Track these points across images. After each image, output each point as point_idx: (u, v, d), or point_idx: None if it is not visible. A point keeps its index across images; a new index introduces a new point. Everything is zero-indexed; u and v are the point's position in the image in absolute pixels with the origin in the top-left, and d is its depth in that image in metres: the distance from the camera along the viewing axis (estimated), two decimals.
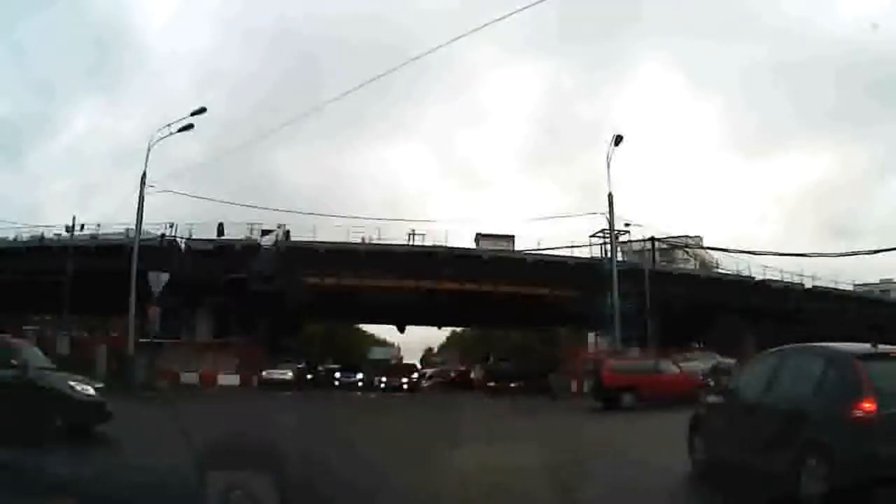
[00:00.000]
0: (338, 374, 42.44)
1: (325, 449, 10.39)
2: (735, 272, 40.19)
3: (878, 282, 57.45)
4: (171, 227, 34.72)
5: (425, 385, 44.08)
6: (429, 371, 56.26)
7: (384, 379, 38.81)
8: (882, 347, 6.48)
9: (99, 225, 37.65)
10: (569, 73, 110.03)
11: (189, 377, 32.26)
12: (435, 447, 10.83)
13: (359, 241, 36.43)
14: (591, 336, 39.96)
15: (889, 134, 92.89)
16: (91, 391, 11.39)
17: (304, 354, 47.63)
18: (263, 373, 34.56)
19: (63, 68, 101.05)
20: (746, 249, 61.95)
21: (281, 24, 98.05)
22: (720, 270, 42.96)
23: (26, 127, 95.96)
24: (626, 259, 37.21)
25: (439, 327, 67.05)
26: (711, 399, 8.72)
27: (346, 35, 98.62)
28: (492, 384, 39.18)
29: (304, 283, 35.14)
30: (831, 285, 41.79)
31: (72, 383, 11.34)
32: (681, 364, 24.08)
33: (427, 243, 37.26)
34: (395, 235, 37.85)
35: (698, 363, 26.96)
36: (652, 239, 37.49)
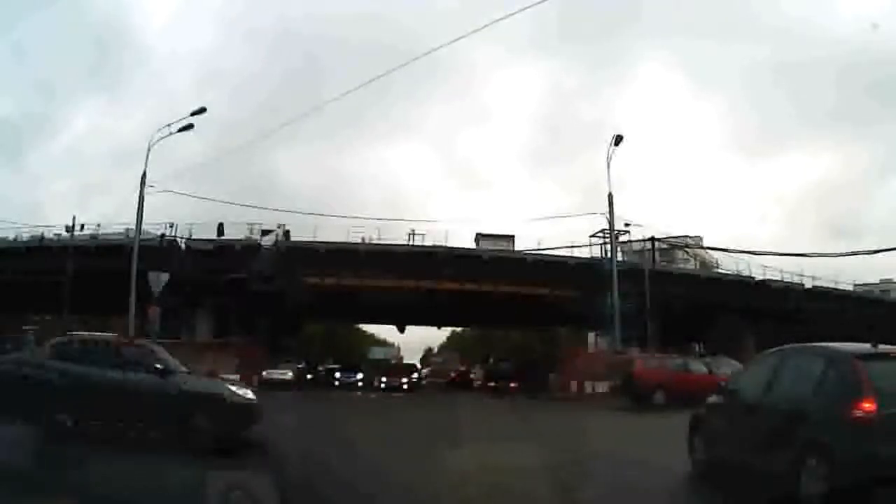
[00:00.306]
0: (338, 374, 42.47)
1: (325, 448, 10.39)
2: (735, 272, 40.15)
3: (878, 282, 57.46)
4: (171, 227, 34.74)
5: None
6: (424, 371, 56.16)
7: (384, 379, 38.85)
8: (882, 347, 6.48)
9: (99, 225, 37.74)
10: (570, 73, 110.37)
11: None
12: (436, 447, 10.83)
13: (359, 241, 36.42)
14: (591, 336, 39.98)
15: (889, 134, 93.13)
16: (250, 394, 11.38)
17: (304, 354, 47.64)
18: (264, 373, 34.55)
19: (63, 68, 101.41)
20: (746, 249, 62.03)
21: (281, 24, 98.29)
22: (720, 270, 42.90)
23: (27, 127, 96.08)
24: (626, 259, 37.20)
25: (439, 327, 67.03)
26: (711, 399, 8.71)
27: (347, 35, 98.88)
28: (492, 384, 39.25)
29: (304, 283, 35.12)
30: (831, 285, 41.73)
31: (230, 387, 11.43)
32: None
33: (427, 243, 37.27)
34: (396, 235, 37.92)
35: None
36: (652, 239, 37.50)
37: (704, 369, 22.80)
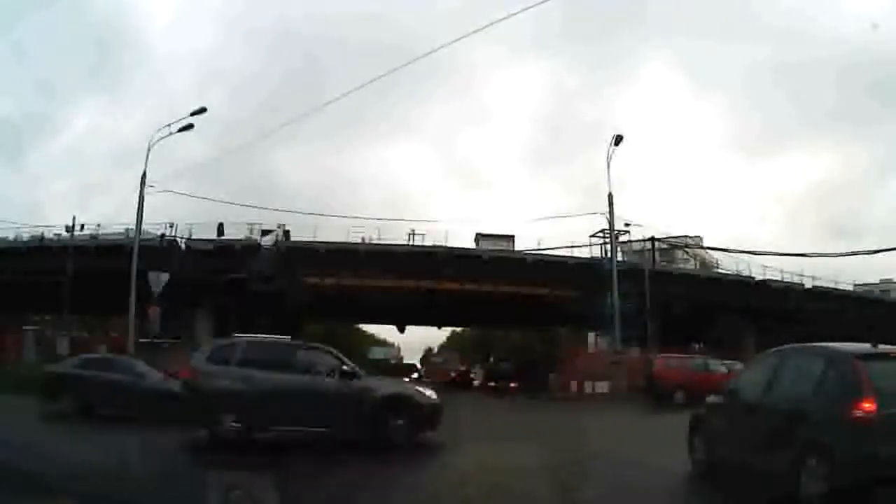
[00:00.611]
0: None
1: (325, 447, 10.38)
2: (735, 272, 40.19)
3: (878, 282, 57.43)
4: (171, 227, 34.79)
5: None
6: (424, 371, 55.99)
7: None
8: (882, 347, 6.48)
9: (99, 225, 37.75)
10: (571, 73, 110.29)
11: None
12: (436, 446, 10.83)
13: (359, 241, 36.46)
14: (591, 336, 39.93)
15: (889, 134, 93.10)
16: (434, 395, 11.56)
17: None
18: None
19: (64, 68, 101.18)
20: (746, 249, 62.07)
21: (282, 24, 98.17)
22: (720, 270, 42.95)
23: (27, 126, 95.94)
24: (626, 259, 37.23)
25: (439, 327, 67.03)
26: (711, 399, 8.71)
27: (347, 35, 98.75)
28: (492, 384, 39.24)
29: (304, 283, 35.12)
30: (831, 285, 41.75)
31: (419, 388, 11.78)
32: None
33: (427, 243, 37.31)
34: (396, 235, 37.96)
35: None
36: (652, 239, 37.50)
37: (723, 369, 22.95)
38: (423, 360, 77.07)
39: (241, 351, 11.04)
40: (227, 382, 10.44)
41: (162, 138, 27.42)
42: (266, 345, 11.65)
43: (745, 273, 39.85)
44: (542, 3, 17.26)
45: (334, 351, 11.70)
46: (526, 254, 38.09)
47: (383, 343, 77.20)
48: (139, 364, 16.20)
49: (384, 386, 11.31)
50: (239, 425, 10.22)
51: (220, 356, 11.11)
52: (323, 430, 10.47)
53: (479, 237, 40.90)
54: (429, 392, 11.55)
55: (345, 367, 10.81)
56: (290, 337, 12.77)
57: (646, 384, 24.21)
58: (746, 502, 6.88)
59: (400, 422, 10.47)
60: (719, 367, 23.28)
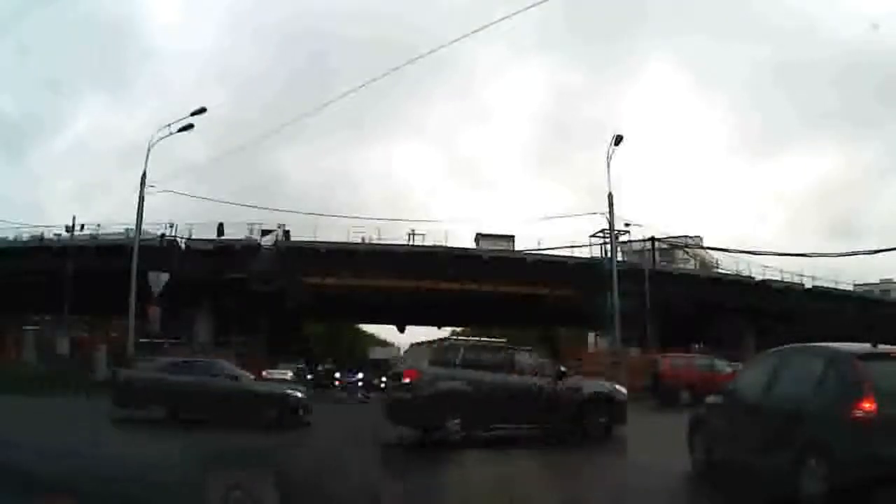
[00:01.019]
0: (337, 374, 42.49)
1: (326, 446, 10.40)
2: (735, 272, 40.22)
3: (878, 282, 57.43)
4: (171, 227, 34.80)
5: None
6: None
7: (384, 379, 38.84)
8: (882, 347, 6.48)
9: (99, 225, 37.79)
10: (573, 72, 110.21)
11: None
12: (436, 444, 10.83)
13: (359, 241, 36.48)
14: (591, 336, 39.93)
15: (890, 134, 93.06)
16: (625, 392, 12.78)
17: (304, 354, 47.64)
18: (264, 372, 34.54)
19: (66, 67, 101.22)
20: (746, 249, 62.07)
21: (286, 24, 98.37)
22: (720, 270, 42.98)
23: (28, 126, 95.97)
24: (626, 259, 37.20)
25: (439, 327, 66.88)
26: (711, 399, 8.71)
27: (351, 34, 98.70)
28: None
29: (304, 283, 35.15)
30: (831, 285, 41.78)
31: (616, 386, 12.81)
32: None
33: (427, 243, 37.33)
34: (396, 235, 38.00)
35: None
36: (652, 239, 37.49)
37: (729, 369, 22.99)
38: None
39: (462, 353, 11.54)
40: (452, 384, 10.83)
41: (162, 138, 27.38)
42: (484, 347, 12.41)
43: (745, 273, 39.89)
44: (543, 1, 17.22)
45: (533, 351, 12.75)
46: (526, 254, 38.09)
47: (383, 343, 77.15)
48: (229, 366, 15.84)
49: (587, 384, 12.23)
50: (462, 425, 10.70)
51: (441, 358, 11.54)
52: (536, 426, 11.27)
53: (479, 237, 40.92)
54: (622, 388, 12.52)
55: (559, 368, 11.81)
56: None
57: (652, 384, 24.21)
58: (746, 502, 6.88)
59: (602, 418, 11.47)
60: (725, 367, 23.32)
